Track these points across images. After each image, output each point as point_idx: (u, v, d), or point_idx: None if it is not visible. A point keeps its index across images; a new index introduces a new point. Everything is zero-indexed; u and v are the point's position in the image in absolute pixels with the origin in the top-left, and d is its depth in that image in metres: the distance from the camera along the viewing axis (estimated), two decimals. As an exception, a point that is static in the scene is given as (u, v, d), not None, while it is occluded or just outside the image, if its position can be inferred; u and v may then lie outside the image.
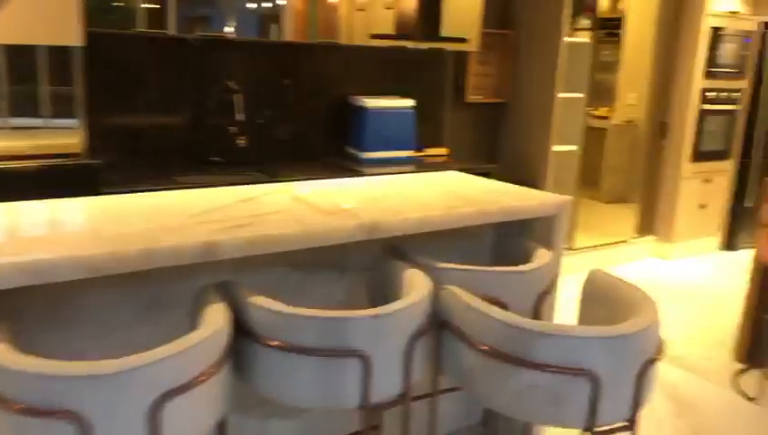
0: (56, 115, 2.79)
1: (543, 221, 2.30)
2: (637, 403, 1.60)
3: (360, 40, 3.58)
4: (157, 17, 3.05)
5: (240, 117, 3.40)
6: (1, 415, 1.23)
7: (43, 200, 1.95)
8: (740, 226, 5.45)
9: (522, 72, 4.48)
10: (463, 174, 2.75)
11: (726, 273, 4.89)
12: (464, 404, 2.54)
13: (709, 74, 4.99)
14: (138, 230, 1.67)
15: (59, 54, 2.74)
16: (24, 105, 2.73)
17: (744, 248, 5.20)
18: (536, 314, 2.00)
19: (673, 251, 5.20)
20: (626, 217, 5.10)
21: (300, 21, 3.45)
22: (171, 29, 3.08)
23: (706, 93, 5.03)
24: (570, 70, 4.33)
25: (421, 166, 3.79)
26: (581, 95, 4.49)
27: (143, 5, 3.02)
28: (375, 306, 1.60)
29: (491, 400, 1.66)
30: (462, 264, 1.91)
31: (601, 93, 4.71)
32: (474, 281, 1.84)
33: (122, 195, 2.18)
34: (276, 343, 1.52)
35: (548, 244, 2.20)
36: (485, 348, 1.61)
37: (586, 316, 1.94)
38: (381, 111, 3.75)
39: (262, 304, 1.54)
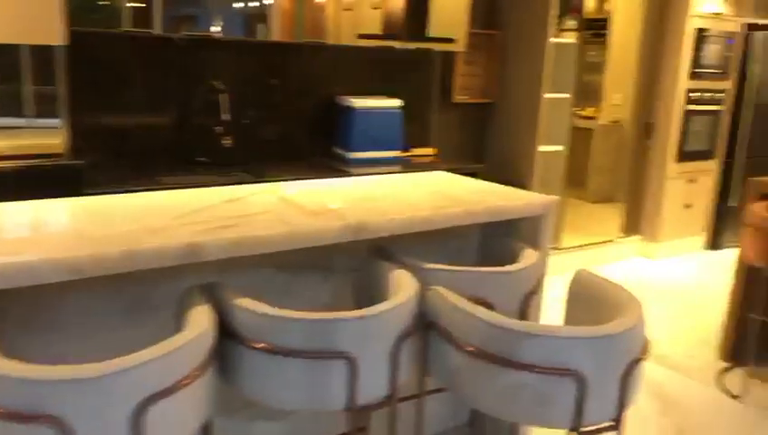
0: (39, 115, 2.76)
1: (530, 221, 2.30)
2: (622, 403, 1.61)
3: (348, 40, 3.57)
4: (142, 16, 3.02)
5: (226, 117, 3.38)
6: (-19, 420, 1.21)
7: (25, 201, 1.93)
8: (724, 225, 5.50)
9: (508, 72, 4.49)
10: (450, 174, 2.75)
11: (711, 272, 4.93)
12: (451, 405, 2.54)
13: (694, 75, 5.03)
14: (121, 231, 1.65)
15: (42, 54, 2.71)
16: (7, 105, 2.70)
17: (728, 247, 5.25)
18: (523, 315, 2.00)
19: (658, 250, 5.24)
20: (612, 216, 5.14)
21: (287, 20, 3.43)
22: (157, 28, 3.05)
23: (691, 94, 5.07)
24: (556, 70, 4.34)
25: (408, 166, 3.79)
26: (568, 95, 4.51)
27: (128, 4, 3.00)
28: (361, 308, 1.59)
29: (477, 400, 1.66)
30: (448, 264, 1.91)
31: (588, 94, 4.74)
32: (460, 281, 1.84)
33: (106, 196, 2.16)
34: (262, 345, 1.50)
35: (534, 244, 2.20)
36: (472, 349, 1.61)
37: (572, 316, 1.95)
38: (368, 111, 3.74)
39: (247, 305, 1.53)
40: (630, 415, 1.63)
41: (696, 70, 5.03)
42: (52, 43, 2.68)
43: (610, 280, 1.86)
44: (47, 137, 2.77)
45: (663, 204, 5.18)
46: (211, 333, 1.48)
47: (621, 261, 5.12)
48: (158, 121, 3.36)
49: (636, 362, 1.60)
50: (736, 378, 3.21)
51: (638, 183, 5.24)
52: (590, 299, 1.87)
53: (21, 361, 1.25)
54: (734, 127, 5.42)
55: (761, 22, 5.36)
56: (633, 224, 5.27)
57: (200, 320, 1.46)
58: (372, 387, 1.60)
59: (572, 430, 1.57)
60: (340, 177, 2.94)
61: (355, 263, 2.04)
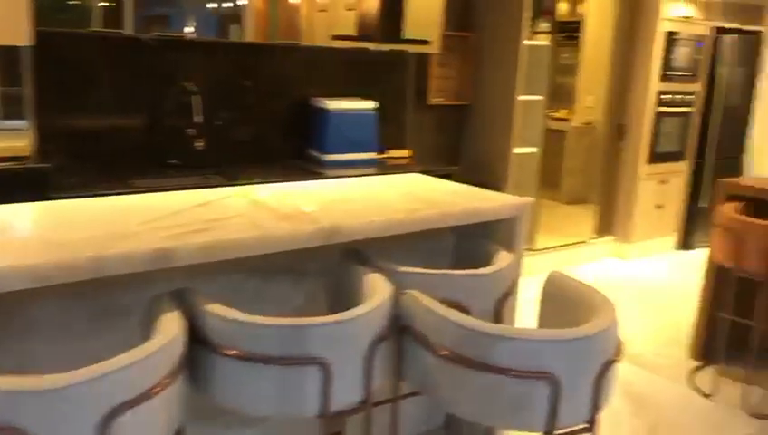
0: (4, 117, 2.70)
1: (504, 223, 2.30)
2: (597, 405, 1.61)
3: (322, 41, 3.56)
4: (113, 16, 2.97)
5: (198, 119, 3.33)
6: (-61, 434, 1.17)
7: (-12, 206, 1.88)
8: (695, 225, 5.59)
9: (483, 74, 4.51)
10: (424, 176, 2.74)
11: (682, 272, 5.00)
12: (426, 408, 2.53)
13: (664, 77, 5.11)
14: (88, 237, 1.61)
15: (7, 54, 2.65)
16: (-30, 106, 2.63)
17: (699, 248, 5.33)
18: (497, 317, 2.00)
19: (631, 251, 5.31)
20: (585, 217, 5.18)
21: (260, 21, 3.40)
22: (128, 28, 3.00)
23: (662, 96, 5.14)
24: (530, 72, 4.37)
25: (383, 168, 3.78)
26: (541, 97, 4.54)
27: (99, 4, 2.94)
28: (335, 312, 1.58)
29: (452, 404, 1.66)
30: (423, 267, 1.90)
31: (561, 96, 4.77)
32: (434, 284, 1.83)
33: (73, 200, 2.11)
34: (233, 352, 1.48)
35: (509, 245, 2.20)
36: (446, 352, 1.60)
37: (545, 319, 1.95)
38: (343, 113, 3.73)
39: (218, 312, 1.51)
40: (603, 416, 1.64)
41: (667, 72, 5.11)
42: (17, 44, 2.61)
43: (583, 282, 1.86)
44: (12, 139, 2.70)
45: (635, 205, 5.24)
46: (181, 340, 1.45)
47: (594, 262, 5.17)
48: (128, 123, 3.31)
49: (609, 363, 1.61)
50: (707, 377, 3.26)
51: (611, 184, 5.30)
52: (563, 301, 1.88)
53: (-18, 372, 1.21)
54: (704, 128, 5.51)
55: (729, 26, 5.46)
56: (606, 225, 5.32)
57: (170, 327, 1.43)
58: (346, 392, 1.58)
59: (547, 432, 1.57)
60: (315, 179, 2.91)
61: (328, 266, 2.02)
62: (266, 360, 1.48)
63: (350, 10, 3.63)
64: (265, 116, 3.73)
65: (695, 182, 5.58)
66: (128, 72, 3.28)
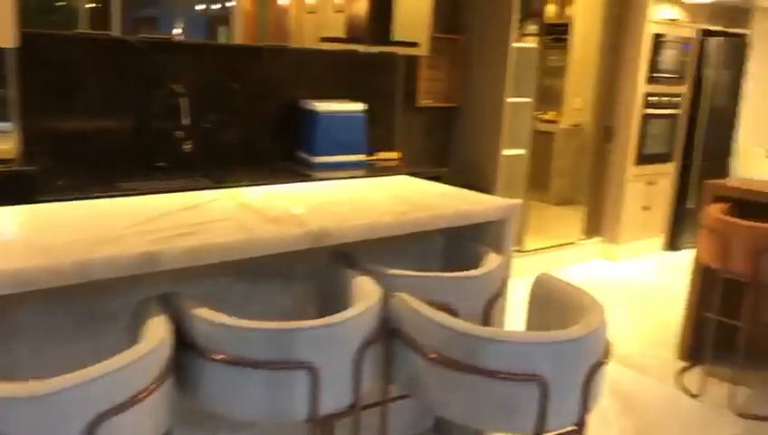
0: (-11, 119, 2.67)
1: (493, 225, 2.30)
2: (585, 407, 1.61)
3: (311, 43, 3.55)
4: (100, 18, 2.95)
5: (186, 121, 3.32)
6: None
7: (-29, 210, 1.86)
8: (683, 227, 5.63)
9: (471, 76, 4.52)
10: (413, 178, 2.74)
11: (670, 273, 5.04)
12: (415, 411, 2.52)
13: (651, 79, 5.14)
14: (73, 240, 1.60)
15: (-9, 56, 2.63)
16: (-46, 108, 2.60)
17: (687, 248, 5.37)
18: (487, 319, 2.00)
19: (619, 252, 5.33)
20: (573, 219, 5.21)
21: (249, 23, 3.39)
22: (115, 30, 2.98)
23: (649, 98, 5.18)
24: (518, 74, 4.39)
25: (373, 170, 3.78)
26: (530, 99, 4.56)
27: (86, 6, 2.92)
28: (323, 316, 1.57)
29: (442, 407, 1.65)
30: (412, 269, 1.90)
31: (549, 98, 4.80)
32: (424, 287, 1.83)
33: (58, 203, 2.09)
34: (221, 356, 1.47)
35: (498, 247, 2.20)
36: (435, 355, 1.60)
37: (534, 321, 1.95)
38: (332, 115, 3.72)
39: (205, 316, 1.49)
40: (591, 416, 1.64)
41: (654, 74, 5.14)
42: (2, 46, 2.59)
43: (572, 283, 1.87)
44: (-3, 142, 2.68)
45: (623, 206, 5.27)
46: (168, 344, 1.43)
47: (583, 263, 5.20)
48: (115, 126, 3.28)
49: (598, 365, 1.61)
50: (695, 377, 3.28)
51: (599, 186, 5.32)
52: (551, 303, 1.88)
53: (-36, 378, 1.19)
54: (691, 130, 5.56)
55: (714, 28, 5.51)
56: (594, 226, 5.35)
57: (157, 331, 1.42)
58: (335, 396, 1.57)
59: (536, 434, 1.57)
60: (304, 181, 2.90)
61: (317, 269, 2.01)
62: (254, 364, 1.47)
63: (338, 12, 3.63)
64: (254, 118, 3.72)
65: (682, 184, 5.62)
66: (115, 74, 3.26)
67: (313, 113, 3.68)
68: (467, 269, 2.00)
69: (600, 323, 1.63)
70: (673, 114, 5.41)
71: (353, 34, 3.67)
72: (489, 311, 2.01)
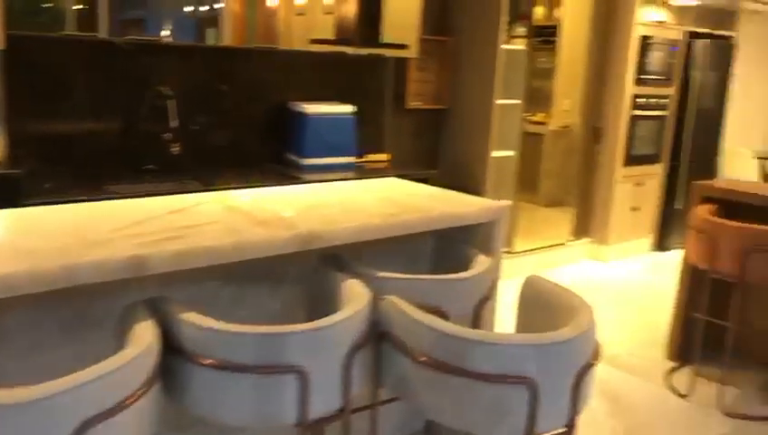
0: (-26, 122, 2.64)
1: (483, 227, 2.31)
2: (575, 409, 1.61)
3: (300, 45, 3.54)
4: (87, 20, 2.92)
5: (174, 123, 3.30)
6: None
7: (-44, 214, 1.83)
8: (671, 227, 5.66)
9: (460, 78, 4.53)
10: (402, 180, 2.74)
11: (659, 273, 5.07)
12: (405, 414, 2.52)
13: (639, 81, 5.17)
14: (60, 244, 1.58)
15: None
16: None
17: (675, 249, 5.40)
18: (477, 321, 2.00)
19: (608, 253, 5.36)
20: (562, 220, 5.22)
21: (238, 25, 3.38)
22: (102, 32, 2.96)
23: (637, 99, 5.21)
24: (507, 76, 4.40)
25: (362, 172, 3.77)
26: (519, 101, 4.57)
27: (73, 7, 2.89)
28: (312, 319, 1.56)
29: (432, 410, 1.65)
30: (401, 271, 1.89)
31: (538, 99, 4.81)
32: (413, 290, 1.83)
33: (45, 206, 2.07)
34: (209, 361, 1.46)
35: (487, 249, 2.21)
36: (425, 358, 1.60)
37: (523, 323, 1.95)
38: (321, 117, 3.71)
39: (193, 320, 1.48)
40: (581, 417, 1.64)
41: (642, 76, 5.17)
42: (-13, 47, 2.56)
43: (561, 285, 1.87)
44: (-18, 145, 2.65)
45: (611, 207, 5.30)
46: (155, 349, 1.42)
47: (572, 264, 5.22)
48: (102, 128, 3.26)
49: (588, 366, 1.62)
50: (683, 377, 3.29)
51: (588, 187, 5.35)
52: (541, 305, 1.88)
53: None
54: (679, 131, 5.59)
55: (701, 30, 5.55)
56: (583, 227, 5.37)
57: (144, 336, 1.41)
58: (325, 400, 1.57)
59: (526, 436, 1.57)
60: (293, 183, 2.90)
61: (306, 273, 2.00)
62: (243, 368, 1.46)
63: (327, 14, 3.62)
64: (243, 120, 3.70)
65: (670, 184, 5.66)
66: (102, 76, 3.24)
67: (302, 115, 3.68)
68: (457, 271, 2.00)
69: (590, 325, 1.64)
70: (661, 115, 5.45)
71: (342, 36, 3.67)
72: (479, 313, 2.01)
